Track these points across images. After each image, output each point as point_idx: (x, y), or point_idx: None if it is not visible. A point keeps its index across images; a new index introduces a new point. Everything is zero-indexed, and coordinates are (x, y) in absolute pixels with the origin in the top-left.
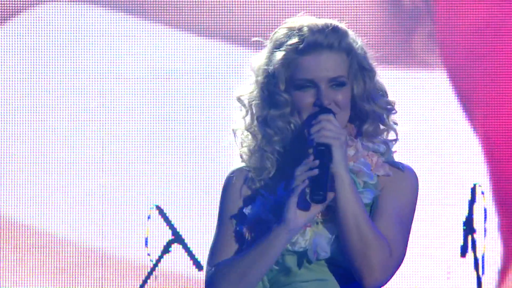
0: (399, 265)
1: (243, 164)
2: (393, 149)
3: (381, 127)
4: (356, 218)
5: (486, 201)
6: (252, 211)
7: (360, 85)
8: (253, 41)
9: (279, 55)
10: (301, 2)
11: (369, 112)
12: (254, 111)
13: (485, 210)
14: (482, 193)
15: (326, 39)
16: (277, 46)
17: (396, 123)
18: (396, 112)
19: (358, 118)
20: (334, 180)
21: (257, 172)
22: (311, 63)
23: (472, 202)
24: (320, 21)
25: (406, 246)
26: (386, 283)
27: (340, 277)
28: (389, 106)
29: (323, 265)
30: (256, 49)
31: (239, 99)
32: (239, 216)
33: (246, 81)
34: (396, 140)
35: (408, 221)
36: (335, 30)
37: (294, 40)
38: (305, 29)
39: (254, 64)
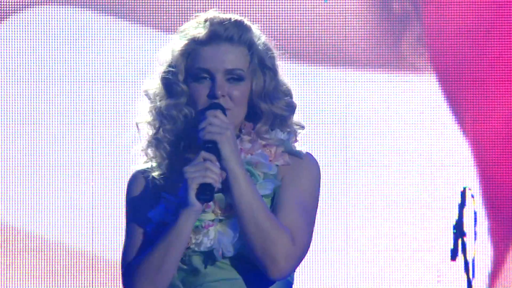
0: (305, 253)
1: (142, 166)
2: (293, 139)
3: (282, 126)
4: (252, 210)
5: (476, 205)
6: (156, 215)
7: (259, 83)
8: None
9: (180, 44)
10: (289, 6)
11: (264, 111)
12: (154, 103)
13: (475, 213)
14: (472, 196)
15: (226, 32)
16: (181, 37)
17: (301, 126)
18: (293, 114)
19: (256, 116)
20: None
21: (155, 166)
22: (209, 54)
23: (462, 205)
24: (225, 15)
25: (311, 233)
26: (291, 272)
27: (249, 274)
28: (288, 108)
29: (232, 262)
30: None
31: (145, 93)
32: (146, 220)
33: (152, 75)
34: (295, 134)
35: (312, 208)
36: (237, 23)
37: (197, 31)
38: (208, 21)
39: (160, 56)
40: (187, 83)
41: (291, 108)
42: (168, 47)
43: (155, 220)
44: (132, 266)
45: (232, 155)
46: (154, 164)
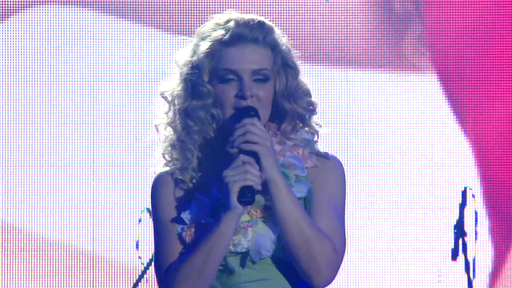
0: (343, 258)
1: (167, 168)
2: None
3: (301, 126)
4: (297, 221)
5: (477, 204)
6: (190, 216)
7: (282, 82)
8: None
9: (204, 46)
10: (290, 6)
11: (288, 111)
12: (176, 105)
13: (476, 213)
14: (473, 196)
15: (252, 33)
16: (202, 39)
17: (319, 125)
18: (316, 113)
19: (279, 116)
20: (267, 185)
21: (181, 167)
22: (235, 54)
23: (463, 205)
24: (247, 16)
25: (345, 237)
26: (333, 280)
27: (285, 275)
28: (310, 107)
29: (268, 264)
30: None
31: (162, 94)
32: (178, 221)
33: (170, 77)
34: (317, 135)
35: (343, 211)
36: (261, 24)
37: (220, 32)
38: (231, 22)
39: (179, 58)
40: (212, 84)
41: (313, 107)
42: (188, 49)
43: (188, 221)
44: (171, 270)
45: (274, 165)
46: (177, 167)
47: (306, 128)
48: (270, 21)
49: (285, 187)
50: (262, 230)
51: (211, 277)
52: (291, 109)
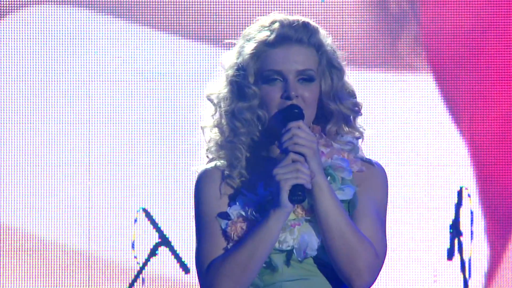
0: (383, 263)
1: (213, 164)
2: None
3: (346, 129)
4: (339, 225)
5: (472, 204)
6: (236, 211)
7: (327, 83)
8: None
9: (249, 47)
10: (286, 6)
11: (334, 112)
12: (222, 107)
13: (471, 213)
14: (469, 196)
15: (296, 33)
16: (248, 40)
17: (362, 127)
18: (361, 114)
19: (323, 118)
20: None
21: (230, 164)
22: (280, 55)
23: (458, 205)
24: (291, 17)
25: (386, 241)
26: (373, 283)
27: (327, 276)
28: (356, 108)
29: (310, 264)
30: None
31: (208, 97)
32: (223, 216)
33: (216, 80)
34: (362, 139)
35: (385, 217)
36: (306, 25)
37: (265, 33)
38: (276, 23)
39: (225, 60)
40: (258, 86)
41: (358, 108)
42: (233, 51)
43: (234, 215)
44: (214, 265)
45: (319, 169)
46: (225, 163)
47: (350, 133)
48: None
49: (329, 190)
50: (308, 230)
51: (255, 273)
52: (336, 109)
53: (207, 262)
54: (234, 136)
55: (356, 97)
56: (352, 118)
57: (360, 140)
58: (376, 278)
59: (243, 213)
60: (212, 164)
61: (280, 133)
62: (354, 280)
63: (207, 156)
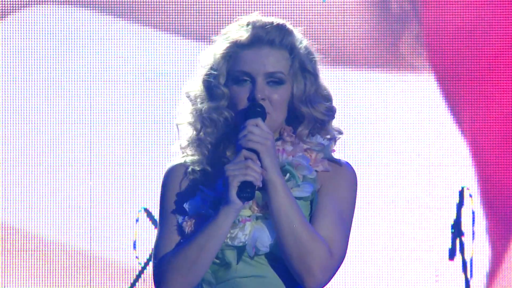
0: (340, 264)
1: (181, 160)
2: (332, 147)
3: (318, 131)
4: (291, 222)
5: (474, 204)
6: (192, 206)
7: (299, 86)
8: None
9: (222, 47)
10: (287, 6)
11: (305, 115)
12: (195, 105)
13: (473, 213)
14: (470, 196)
15: (268, 35)
16: (223, 40)
17: (339, 131)
18: (334, 118)
19: (296, 120)
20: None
21: (196, 161)
22: (250, 57)
23: (460, 205)
24: (266, 18)
25: (347, 244)
26: (327, 283)
27: (280, 272)
28: (329, 112)
29: (264, 261)
30: None
31: (186, 94)
32: (180, 211)
33: (195, 77)
34: (334, 141)
35: (349, 217)
36: (279, 27)
37: (239, 34)
38: (250, 25)
39: (201, 59)
40: (228, 86)
41: (331, 112)
42: (210, 49)
43: (190, 210)
44: (165, 259)
45: (272, 165)
46: (191, 159)
47: (323, 134)
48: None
49: (283, 188)
50: (260, 226)
51: (204, 268)
52: (308, 113)
53: (160, 255)
54: (201, 134)
55: (331, 101)
56: (326, 122)
57: (333, 142)
58: (330, 278)
59: (199, 209)
60: (181, 160)
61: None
62: (305, 278)
63: (180, 151)
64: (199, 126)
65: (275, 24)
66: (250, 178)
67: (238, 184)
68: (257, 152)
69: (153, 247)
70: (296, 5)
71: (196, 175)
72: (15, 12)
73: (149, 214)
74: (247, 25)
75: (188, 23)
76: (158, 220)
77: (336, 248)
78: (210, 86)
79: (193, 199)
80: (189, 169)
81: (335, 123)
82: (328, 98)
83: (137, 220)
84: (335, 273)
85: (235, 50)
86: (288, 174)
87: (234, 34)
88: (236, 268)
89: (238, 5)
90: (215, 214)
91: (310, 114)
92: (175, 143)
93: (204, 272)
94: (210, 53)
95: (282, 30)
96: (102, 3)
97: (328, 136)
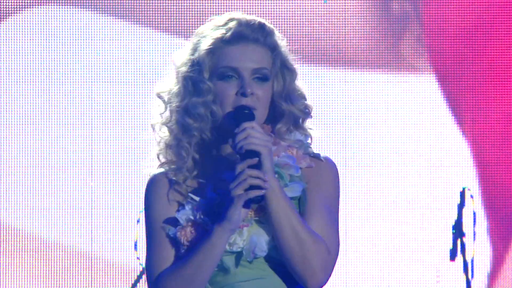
0: (336, 260)
1: (161, 169)
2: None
3: (295, 129)
4: (292, 225)
5: (475, 205)
6: (184, 215)
7: (280, 83)
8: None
9: (205, 44)
10: (288, 6)
11: (285, 112)
12: (173, 103)
13: (474, 213)
14: (471, 196)
15: (253, 33)
16: (203, 37)
17: (312, 129)
18: (312, 117)
19: (273, 118)
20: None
21: (176, 169)
22: (236, 53)
23: (461, 205)
24: (248, 16)
25: (339, 239)
26: (327, 281)
27: (280, 274)
28: (306, 110)
29: (263, 263)
30: None
31: (158, 95)
32: (172, 222)
33: (166, 78)
34: (310, 139)
35: (336, 212)
36: (262, 26)
37: (220, 31)
38: (233, 22)
39: (177, 58)
40: (212, 82)
41: (309, 110)
42: (187, 48)
43: (183, 220)
44: (162, 277)
45: (272, 168)
46: (172, 167)
47: (299, 131)
48: (270, 22)
49: (280, 190)
50: (257, 230)
51: (202, 286)
52: (288, 110)
53: (155, 272)
54: (183, 133)
55: (306, 100)
56: (301, 119)
57: (309, 139)
58: (329, 276)
59: (192, 217)
60: (161, 169)
61: (232, 133)
62: (308, 279)
63: (158, 158)
64: (181, 123)
65: (258, 22)
66: (255, 193)
67: (242, 204)
68: (259, 154)
69: (145, 263)
70: (297, 6)
71: (180, 185)
72: (16, 13)
73: None
74: (229, 21)
75: (189, 24)
76: (146, 235)
77: (332, 245)
78: (193, 81)
79: (183, 208)
80: (173, 179)
81: (333, 122)
82: (304, 97)
83: (138, 221)
84: (332, 271)
85: (220, 46)
86: (276, 175)
87: (215, 32)
88: (235, 273)
89: (238, 5)
90: (208, 232)
91: (290, 111)
92: (153, 149)
93: (203, 287)
94: (189, 51)
95: (265, 29)
96: (102, 4)
97: (305, 133)
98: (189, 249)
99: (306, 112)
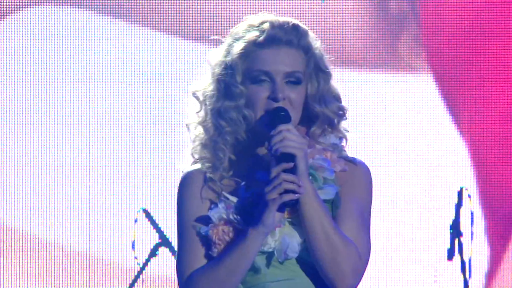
0: (367, 265)
1: (197, 166)
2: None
3: (330, 131)
4: (324, 228)
5: (472, 205)
6: (217, 214)
7: (314, 86)
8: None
9: (238, 47)
10: (286, 6)
11: (319, 115)
12: (208, 105)
13: (471, 213)
14: (469, 196)
15: (286, 35)
16: (236, 39)
17: (347, 130)
18: (346, 118)
19: (308, 120)
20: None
21: (212, 166)
22: (269, 56)
23: (458, 205)
24: (282, 18)
25: (371, 244)
26: (357, 285)
27: (310, 276)
28: (340, 112)
29: (293, 264)
30: None
31: (194, 94)
32: (204, 220)
33: (202, 77)
34: (345, 141)
35: (368, 217)
36: (296, 27)
37: (254, 33)
38: (266, 24)
39: (212, 58)
40: (245, 85)
41: (343, 112)
42: (221, 49)
43: (215, 218)
44: (194, 278)
45: (306, 171)
46: (207, 165)
47: (334, 133)
48: (305, 24)
49: (314, 193)
50: (290, 231)
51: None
52: (322, 112)
53: (187, 271)
54: (218, 135)
55: (341, 101)
56: (336, 121)
57: (344, 142)
58: (359, 281)
59: (225, 216)
60: (196, 166)
61: (267, 135)
62: (338, 282)
63: (193, 156)
64: (216, 125)
65: (291, 24)
66: (289, 198)
67: (277, 208)
68: (294, 157)
69: (176, 261)
70: (295, 5)
71: (215, 183)
72: (14, 13)
73: (148, 215)
74: (262, 23)
75: (187, 24)
76: (178, 233)
77: (363, 250)
78: (226, 85)
79: (216, 206)
80: (208, 176)
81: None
82: (339, 98)
83: (135, 221)
84: (363, 275)
85: (252, 49)
86: (310, 177)
87: (249, 34)
88: (266, 273)
89: (238, 5)
90: (242, 235)
91: (324, 114)
92: (188, 146)
93: None
94: (222, 53)
95: (299, 31)
96: (101, 4)
97: (340, 135)
98: (221, 250)
99: (340, 114)
